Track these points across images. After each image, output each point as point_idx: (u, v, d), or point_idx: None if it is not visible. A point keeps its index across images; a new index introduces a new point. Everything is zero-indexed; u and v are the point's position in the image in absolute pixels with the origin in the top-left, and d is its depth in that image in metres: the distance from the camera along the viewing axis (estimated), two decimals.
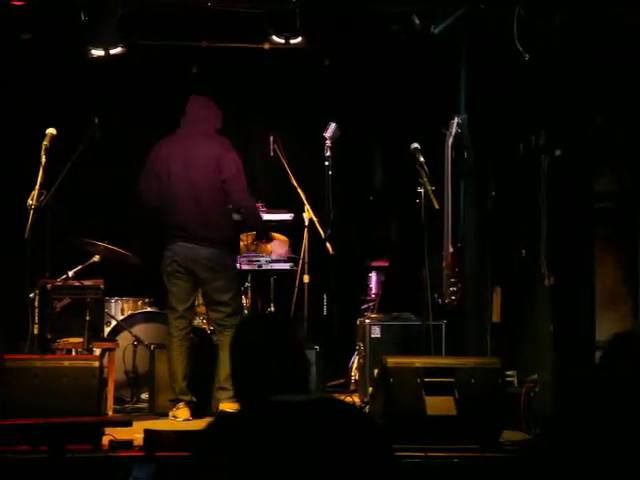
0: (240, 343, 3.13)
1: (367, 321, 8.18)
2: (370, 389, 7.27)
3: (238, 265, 8.53)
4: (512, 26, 7.12)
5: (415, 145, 7.72)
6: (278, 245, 8.72)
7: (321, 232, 8.42)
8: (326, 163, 8.16)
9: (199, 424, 6.83)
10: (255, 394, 3.02)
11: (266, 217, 8.79)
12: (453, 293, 7.76)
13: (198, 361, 7.65)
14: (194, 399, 7.47)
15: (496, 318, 7.73)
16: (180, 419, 7.34)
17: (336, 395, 7.79)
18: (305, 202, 8.49)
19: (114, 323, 8.51)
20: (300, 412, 2.92)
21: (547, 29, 7.02)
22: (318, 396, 3.07)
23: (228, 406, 7.25)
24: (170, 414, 7.44)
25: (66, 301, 7.56)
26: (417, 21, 8.30)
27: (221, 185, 7.48)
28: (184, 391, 7.44)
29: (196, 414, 7.42)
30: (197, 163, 7.49)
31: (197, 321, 8.33)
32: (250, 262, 8.79)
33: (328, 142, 8.19)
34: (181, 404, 7.39)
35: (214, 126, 7.70)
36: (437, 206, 7.45)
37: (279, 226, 8.85)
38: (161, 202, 7.60)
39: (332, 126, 8.20)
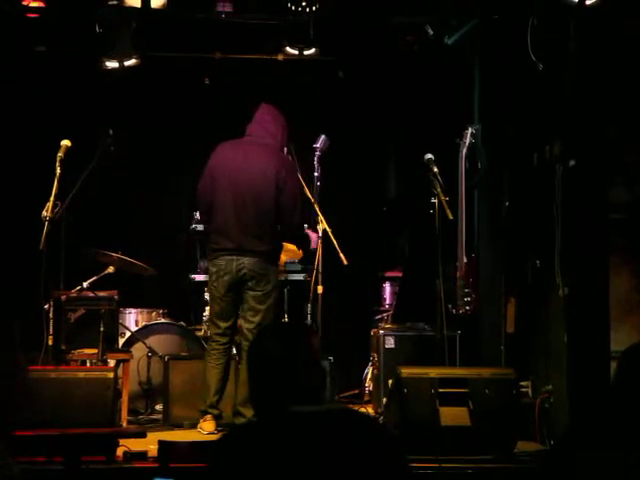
0: (257, 353, 3.13)
1: (381, 332, 8.18)
2: (384, 400, 7.26)
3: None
4: (526, 36, 7.12)
5: (429, 156, 7.72)
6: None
7: (335, 243, 8.42)
8: (315, 174, 8.13)
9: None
10: (271, 404, 3.02)
11: None
12: (467, 303, 7.75)
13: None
14: (221, 414, 7.40)
15: (510, 328, 7.71)
16: (205, 432, 7.26)
17: (350, 406, 7.80)
18: (319, 213, 8.49)
19: (128, 334, 8.52)
20: (316, 422, 2.92)
21: (561, 39, 7.02)
22: (333, 406, 3.07)
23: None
24: (197, 426, 7.39)
25: (80, 312, 7.58)
26: (431, 32, 8.32)
27: (274, 199, 7.40)
28: (213, 405, 7.35)
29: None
30: (254, 174, 7.39)
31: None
32: None
33: (318, 153, 8.19)
34: (208, 416, 7.31)
35: (280, 141, 7.63)
36: (451, 216, 7.44)
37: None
38: (212, 205, 7.50)
39: (322, 138, 8.25)
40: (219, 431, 7.26)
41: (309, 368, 3.08)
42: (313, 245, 8.26)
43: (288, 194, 7.45)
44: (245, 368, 7.07)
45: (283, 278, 8.53)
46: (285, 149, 7.85)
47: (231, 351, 7.54)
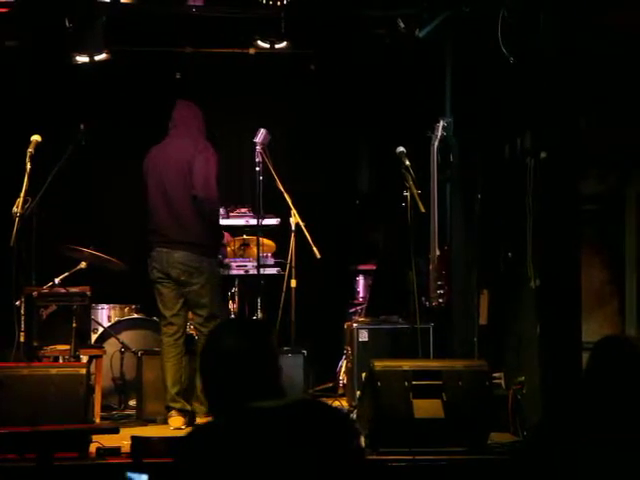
0: (210, 350, 3.09)
1: (355, 325, 8.18)
2: (358, 393, 7.27)
3: (225, 271, 8.53)
4: (497, 29, 7.13)
5: (401, 149, 7.74)
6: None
7: (308, 236, 8.42)
8: (257, 169, 8.11)
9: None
10: (229, 400, 3.00)
11: (252, 222, 8.83)
12: (440, 296, 7.76)
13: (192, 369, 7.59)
14: (188, 407, 7.39)
15: (483, 320, 7.73)
16: (172, 427, 7.28)
17: (324, 399, 7.79)
18: (292, 206, 8.49)
19: (101, 330, 8.49)
20: (274, 417, 2.91)
21: (531, 31, 7.03)
22: (292, 399, 3.06)
23: (177, 421, 7.24)
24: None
25: (52, 308, 7.55)
26: (402, 25, 8.32)
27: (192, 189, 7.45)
28: (174, 399, 7.36)
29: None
30: (172, 166, 7.47)
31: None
32: (237, 267, 8.81)
33: (258, 147, 8.16)
34: (173, 412, 7.32)
35: (194, 128, 7.65)
36: (423, 209, 7.47)
37: (266, 230, 8.85)
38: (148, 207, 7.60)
39: (262, 131, 8.20)
40: (188, 425, 7.27)
41: (267, 363, 3.07)
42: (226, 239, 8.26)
43: (197, 169, 7.41)
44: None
45: (256, 272, 8.53)
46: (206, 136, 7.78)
47: (183, 342, 7.55)
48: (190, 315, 7.72)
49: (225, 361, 3.02)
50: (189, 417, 7.36)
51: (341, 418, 3.03)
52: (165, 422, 7.41)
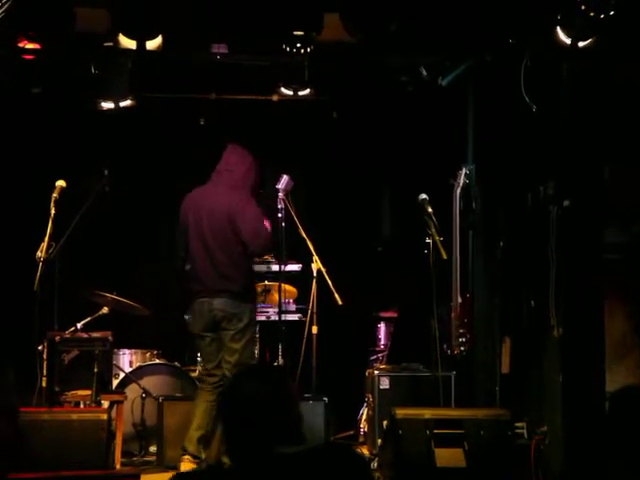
0: (230, 395, 3.12)
1: (376, 372, 8.16)
2: (379, 441, 7.24)
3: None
4: (519, 77, 7.16)
5: (423, 196, 7.76)
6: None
7: (330, 283, 8.42)
8: (279, 215, 8.12)
9: None
10: (250, 447, 3.00)
11: (274, 267, 8.84)
12: (462, 344, 7.73)
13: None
14: (203, 455, 7.34)
15: (505, 369, 7.69)
16: None
17: None
18: (313, 253, 8.50)
19: (122, 375, 8.48)
20: (295, 463, 2.90)
21: (554, 80, 7.06)
22: (314, 445, 3.04)
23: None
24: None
25: (74, 353, 7.55)
26: (425, 73, 8.36)
27: (235, 236, 7.44)
28: (192, 442, 7.32)
29: None
30: (212, 216, 7.46)
31: None
32: (259, 313, 8.82)
33: (281, 194, 8.18)
34: (186, 457, 7.29)
35: (238, 175, 7.61)
36: (445, 256, 7.47)
37: (288, 277, 8.85)
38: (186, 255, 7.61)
39: (284, 178, 8.22)
40: None
41: (287, 410, 3.06)
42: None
43: (246, 224, 7.42)
44: None
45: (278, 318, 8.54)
46: (253, 184, 7.79)
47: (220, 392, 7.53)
48: None
49: (245, 407, 3.03)
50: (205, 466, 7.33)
51: (362, 463, 3.02)
52: None
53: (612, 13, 6.42)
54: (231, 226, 7.42)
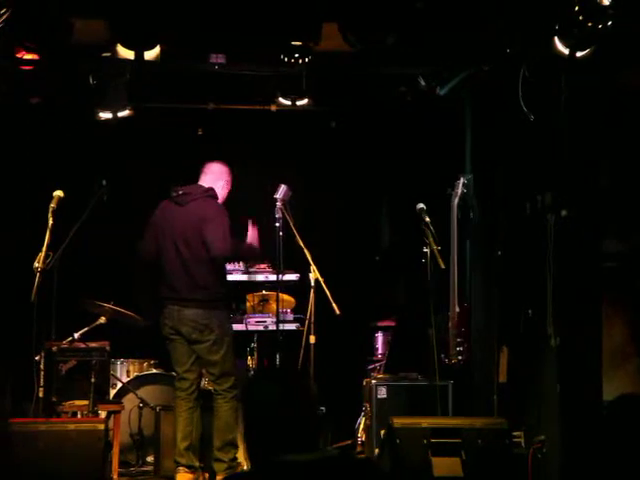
0: (250, 399, 3.09)
1: (373, 381, 8.15)
2: (377, 450, 7.23)
3: (244, 326, 8.54)
4: (517, 87, 7.16)
5: (421, 205, 7.76)
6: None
7: (327, 292, 8.43)
8: (276, 224, 8.14)
9: None
10: (267, 452, 2.98)
11: (272, 277, 8.85)
12: (459, 353, 7.74)
13: (206, 425, 7.58)
14: (196, 464, 7.36)
15: (503, 378, 7.69)
16: None
17: None
18: (311, 262, 8.50)
19: (120, 385, 8.48)
20: (308, 471, 2.89)
21: (552, 90, 7.07)
22: (328, 454, 3.02)
23: (183, 478, 7.21)
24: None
25: (72, 363, 7.55)
26: (423, 83, 8.37)
27: (203, 248, 7.48)
28: (182, 454, 7.34)
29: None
30: (184, 225, 7.54)
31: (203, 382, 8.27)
32: (256, 323, 8.83)
33: (279, 203, 8.22)
34: (181, 468, 7.30)
35: (210, 187, 7.72)
36: (443, 266, 7.47)
37: (285, 286, 8.85)
38: (157, 264, 7.65)
39: (282, 187, 8.27)
40: None
41: (306, 413, 3.05)
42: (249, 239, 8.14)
43: (209, 228, 7.46)
44: (219, 416, 7.15)
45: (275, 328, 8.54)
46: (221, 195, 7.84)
47: (196, 398, 7.53)
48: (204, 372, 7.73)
49: (264, 411, 3.01)
50: (201, 475, 7.33)
51: (377, 474, 3.01)
52: None
53: (610, 23, 6.43)
54: (200, 232, 7.47)
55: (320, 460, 2.92)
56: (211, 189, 7.72)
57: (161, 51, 7.13)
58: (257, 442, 3.02)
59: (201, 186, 7.74)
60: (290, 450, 2.93)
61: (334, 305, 8.39)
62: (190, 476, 7.27)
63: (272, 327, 8.72)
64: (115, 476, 7.37)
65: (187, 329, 7.43)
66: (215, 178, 7.79)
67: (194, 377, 7.55)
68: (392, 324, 9.66)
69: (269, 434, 2.99)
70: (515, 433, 7.02)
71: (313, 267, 8.53)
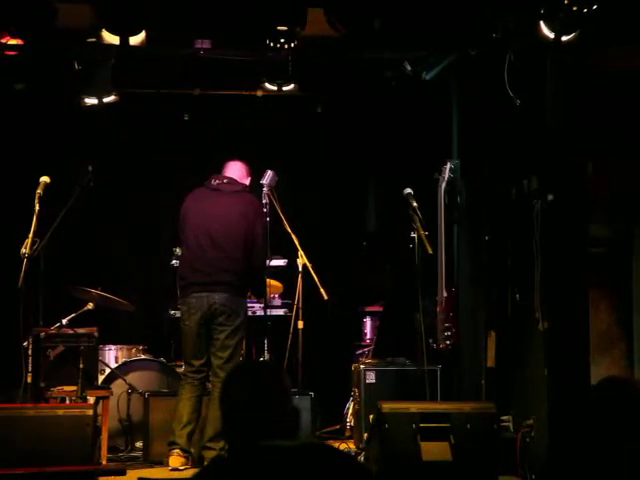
0: (228, 391, 3.18)
1: (362, 366, 8.17)
2: (365, 435, 7.24)
3: None
4: (503, 72, 7.17)
5: (408, 190, 7.76)
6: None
7: (315, 278, 8.43)
8: (264, 210, 8.13)
9: (188, 474, 6.81)
10: (243, 440, 3.05)
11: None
12: (448, 338, 7.76)
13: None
14: (191, 449, 7.37)
15: (491, 363, 7.71)
16: (170, 467, 7.25)
17: (331, 442, 7.77)
18: (299, 248, 8.51)
19: (108, 371, 8.46)
20: (287, 457, 2.91)
21: (538, 75, 7.07)
22: (306, 441, 3.06)
23: (176, 460, 7.22)
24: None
25: (60, 349, 7.53)
26: (409, 67, 8.36)
27: (243, 237, 7.49)
28: (181, 436, 7.33)
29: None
30: (225, 212, 7.52)
31: None
32: None
33: (265, 189, 8.23)
34: (175, 450, 7.29)
35: (242, 183, 7.75)
36: (430, 251, 7.47)
37: (273, 272, 8.85)
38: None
39: (269, 173, 8.29)
40: (186, 468, 7.24)
41: (279, 405, 3.12)
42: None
43: (256, 235, 7.53)
44: (215, 404, 7.13)
45: (263, 313, 8.55)
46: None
47: (205, 386, 7.53)
48: None
49: (240, 403, 3.08)
50: (191, 460, 7.34)
51: (352, 466, 3.03)
52: None
53: (595, 7, 6.43)
54: (242, 227, 7.49)
55: (297, 447, 2.95)
56: (247, 186, 7.76)
57: (146, 36, 7.11)
58: (235, 432, 3.10)
59: (234, 180, 7.73)
60: (268, 437, 2.99)
61: (322, 290, 8.41)
62: (182, 460, 7.27)
63: (260, 313, 8.71)
64: (104, 461, 7.36)
65: (215, 313, 7.40)
66: (241, 176, 7.81)
67: (207, 369, 7.51)
68: (380, 309, 9.68)
69: (247, 425, 3.08)
70: (503, 417, 7.05)
71: (301, 252, 8.54)
